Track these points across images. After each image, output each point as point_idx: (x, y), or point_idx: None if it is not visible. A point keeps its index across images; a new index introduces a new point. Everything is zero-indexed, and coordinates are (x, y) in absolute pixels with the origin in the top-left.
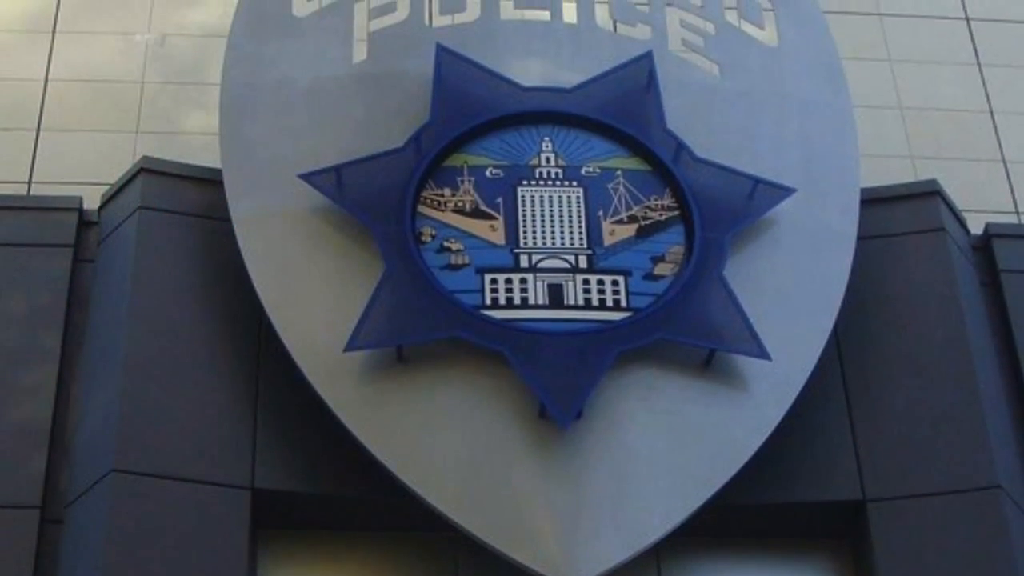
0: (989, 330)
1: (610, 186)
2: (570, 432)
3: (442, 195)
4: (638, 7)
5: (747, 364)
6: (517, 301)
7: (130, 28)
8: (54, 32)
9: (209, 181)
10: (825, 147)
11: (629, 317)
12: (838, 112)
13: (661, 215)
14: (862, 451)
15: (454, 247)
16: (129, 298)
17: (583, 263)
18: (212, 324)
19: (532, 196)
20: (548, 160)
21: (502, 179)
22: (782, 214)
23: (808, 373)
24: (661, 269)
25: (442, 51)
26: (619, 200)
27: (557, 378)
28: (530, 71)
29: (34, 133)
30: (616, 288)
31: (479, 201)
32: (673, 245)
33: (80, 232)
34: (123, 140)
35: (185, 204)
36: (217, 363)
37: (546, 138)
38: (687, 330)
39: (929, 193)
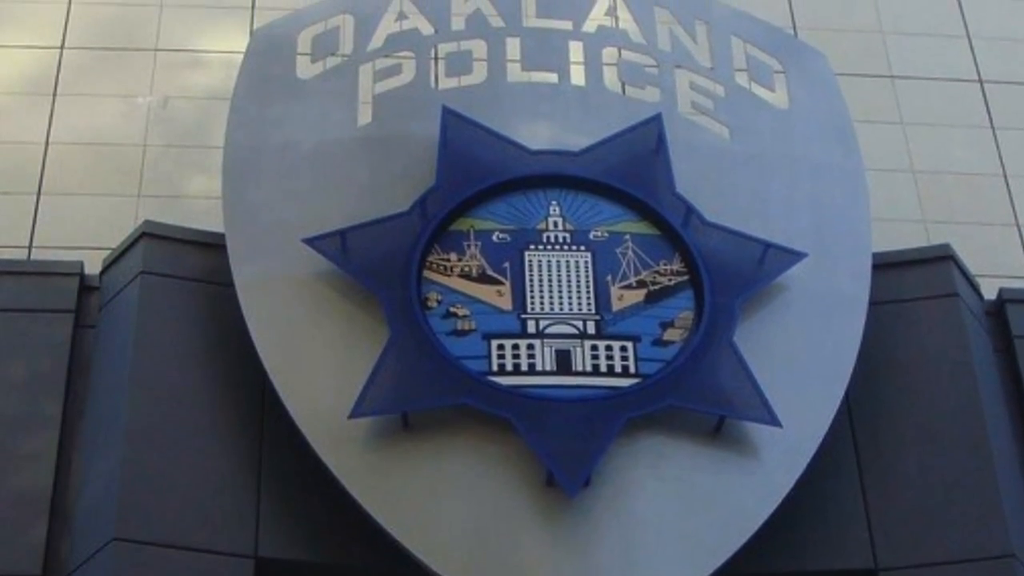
0: (1002, 396)
1: (619, 250)
2: (578, 500)
3: (448, 260)
4: (647, 69)
5: (757, 431)
6: (524, 367)
7: (132, 91)
8: (55, 95)
9: (212, 245)
10: (837, 211)
11: (638, 383)
12: (850, 175)
13: (670, 280)
14: (874, 519)
15: (460, 312)
16: (131, 364)
17: (591, 329)
18: (215, 390)
19: (539, 261)
20: (556, 224)
21: (509, 243)
22: (793, 279)
23: (819, 440)
24: (670, 335)
25: (448, 114)
26: (628, 265)
27: (565, 445)
28: (538, 134)
29: (35, 197)
30: (625, 354)
31: (486, 266)
32: (683, 310)
33: (81, 297)
34: (125, 204)
35: (187, 269)
36: (220, 430)
37: (554, 202)
38: (697, 396)
39: (942, 258)
